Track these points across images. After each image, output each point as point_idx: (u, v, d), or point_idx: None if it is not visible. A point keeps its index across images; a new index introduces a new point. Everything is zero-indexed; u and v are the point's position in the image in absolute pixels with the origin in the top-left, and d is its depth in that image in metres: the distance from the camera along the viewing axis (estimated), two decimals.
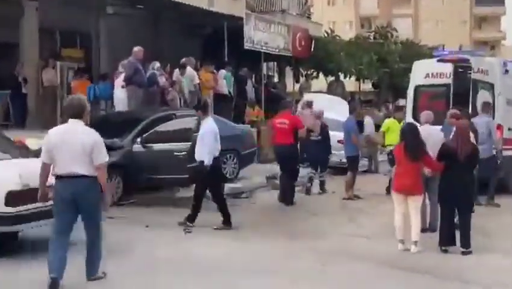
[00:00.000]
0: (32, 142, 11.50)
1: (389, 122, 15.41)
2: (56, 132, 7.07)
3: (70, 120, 7.02)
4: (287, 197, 13.08)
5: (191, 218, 10.51)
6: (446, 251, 9.13)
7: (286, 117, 13.45)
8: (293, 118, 13.66)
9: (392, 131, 14.51)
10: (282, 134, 13.21)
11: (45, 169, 6.98)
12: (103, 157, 6.96)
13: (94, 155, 6.85)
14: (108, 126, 13.20)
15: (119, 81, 15.11)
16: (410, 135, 9.47)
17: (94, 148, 6.87)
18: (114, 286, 7.16)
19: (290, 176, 13.26)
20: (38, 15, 16.97)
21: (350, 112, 15.46)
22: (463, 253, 9.03)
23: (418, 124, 10.60)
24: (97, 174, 6.88)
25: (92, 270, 7.15)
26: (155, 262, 8.17)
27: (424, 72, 15.28)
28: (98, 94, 15.87)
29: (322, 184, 14.90)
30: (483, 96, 14.43)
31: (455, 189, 9.12)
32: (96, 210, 7.02)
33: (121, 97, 14.93)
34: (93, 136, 6.95)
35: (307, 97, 19.61)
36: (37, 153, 10.87)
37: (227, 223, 10.55)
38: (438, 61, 15.33)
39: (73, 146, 6.83)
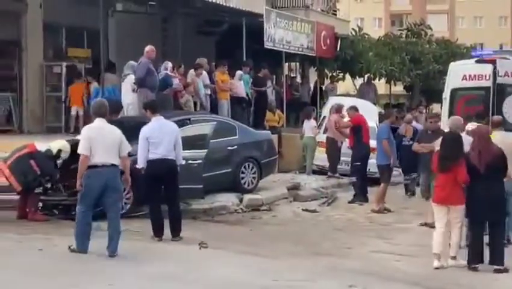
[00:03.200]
0: (42, 146, 11.87)
1: None
2: (92, 129, 9.14)
3: (97, 119, 9.15)
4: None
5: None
6: (475, 269, 9.13)
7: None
8: None
9: None
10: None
11: (85, 161, 8.94)
12: (128, 148, 9.30)
13: (122, 147, 9.09)
14: None
15: (127, 84, 15.19)
16: (444, 145, 9.55)
17: (122, 141, 9.13)
18: None
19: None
20: (43, 12, 17.19)
21: (386, 117, 15.44)
22: (496, 270, 9.03)
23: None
24: (123, 162, 9.11)
25: (113, 246, 9.01)
26: (168, 279, 8.18)
27: (461, 74, 15.23)
28: (107, 97, 15.94)
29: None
30: None
31: (482, 202, 9.16)
32: (119, 192, 9.35)
33: (130, 102, 15.02)
34: (118, 132, 9.19)
35: (333, 100, 19.63)
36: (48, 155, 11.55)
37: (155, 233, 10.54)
38: (477, 61, 15.33)
39: (107, 140, 9.01)
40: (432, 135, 12.71)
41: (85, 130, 9.19)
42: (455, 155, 9.35)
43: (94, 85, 16.79)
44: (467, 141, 10.46)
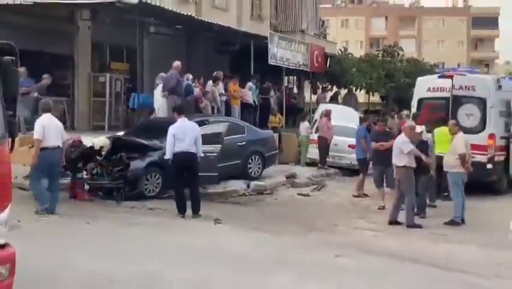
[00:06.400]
0: (87, 140, 11.91)
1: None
2: (45, 120, 9.95)
3: (46, 114, 10.03)
4: None
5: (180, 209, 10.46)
6: None
7: None
8: None
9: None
10: None
11: (40, 143, 9.77)
12: (65, 135, 10.35)
13: (63, 134, 10.15)
14: (150, 129, 13.31)
15: (158, 91, 15.16)
16: None
17: (63, 130, 10.21)
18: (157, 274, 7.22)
19: None
20: (91, 32, 17.18)
21: (364, 121, 15.34)
22: None
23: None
24: (63, 144, 10.14)
25: (53, 205, 9.93)
26: (184, 250, 8.13)
27: (426, 86, 15.22)
28: (141, 102, 15.96)
29: None
30: (467, 109, 14.38)
31: None
32: (60, 166, 10.29)
33: (160, 106, 14.98)
34: (60, 123, 10.28)
35: (323, 107, 19.56)
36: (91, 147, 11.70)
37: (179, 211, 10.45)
38: (439, 77, 15.31)
39: (56, 128, 10.00)
40: (384, 136, 12.60)
41: (40, 122, 9.95)
42: None
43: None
44: (403, 140, 10.58)
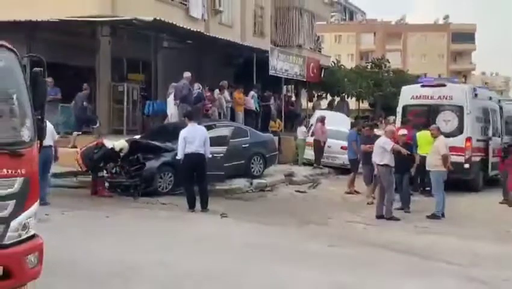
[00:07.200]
0: (108, 143, 11.93)
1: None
2: None
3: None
4: None
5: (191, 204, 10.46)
6: None
7: None
8: None
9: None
10: None
11: None
12: (56, 136, 10.60)
13: (54, 134, 10.30)
14: (163, 133, 13.34)
15: (171, 99, 15.17)
16: None
17: (53, 131, 10.23)
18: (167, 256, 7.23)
19: None
20: (111, 47, 17.22)
21: (354, 126, 15.33)
22: None
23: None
24: (55, 144, 10.36)
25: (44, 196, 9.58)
26: (194, 240, 8.15)
27: (410, 95, 15.22)
28: (156, 109, 15.99)
29: None
30: (445, 115, 14.36)
31: None
32: (51, 164, 10.34)
33: (172, 112, 14.99)
34: (51, 125, 9.98)
35: (318, 113, 19.56)
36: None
37: (190, 206, 10.45)
38: (422, 86, 15.32)
39: (47, 129, 9.53)
40: (371, 139, 12.55)
41: None
42: None
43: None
44: (385, 140, 10.58)
